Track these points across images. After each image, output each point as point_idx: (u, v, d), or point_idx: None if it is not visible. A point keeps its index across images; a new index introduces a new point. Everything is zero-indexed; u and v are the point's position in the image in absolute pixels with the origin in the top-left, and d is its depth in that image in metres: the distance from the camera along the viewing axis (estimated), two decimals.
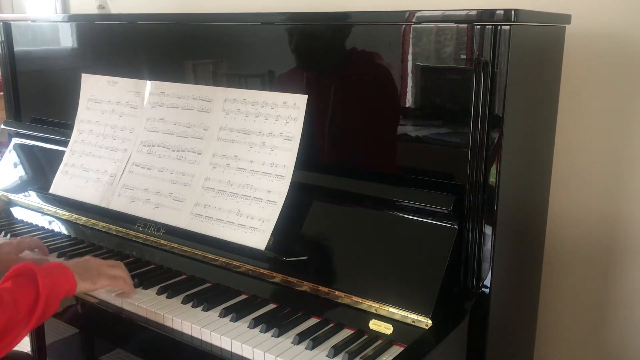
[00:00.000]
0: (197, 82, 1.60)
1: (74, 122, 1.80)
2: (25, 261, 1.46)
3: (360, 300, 1.24)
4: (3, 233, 1.75)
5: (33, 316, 1.14)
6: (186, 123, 1.57)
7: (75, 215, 1.72)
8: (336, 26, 1.36)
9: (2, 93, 2.22)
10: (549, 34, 1.38)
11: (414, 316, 1.18)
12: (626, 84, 1.54)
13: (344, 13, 1.39)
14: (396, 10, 1.30)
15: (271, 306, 1.33)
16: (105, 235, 1.65)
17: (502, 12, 1.11)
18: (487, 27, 1.14)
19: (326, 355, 1.13)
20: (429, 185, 1.25)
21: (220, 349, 1.20)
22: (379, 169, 1.36)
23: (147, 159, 1.61)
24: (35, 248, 1.58)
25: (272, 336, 1.20)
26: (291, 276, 1.33)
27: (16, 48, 2.03)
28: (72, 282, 1.23)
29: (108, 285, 1.31)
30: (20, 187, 1.91)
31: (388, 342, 1.18)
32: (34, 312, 1.14)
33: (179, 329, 1.26)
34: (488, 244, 1.22)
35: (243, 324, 1.24)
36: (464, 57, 1.19)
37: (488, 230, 1.21)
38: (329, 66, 1.41)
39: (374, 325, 1.21)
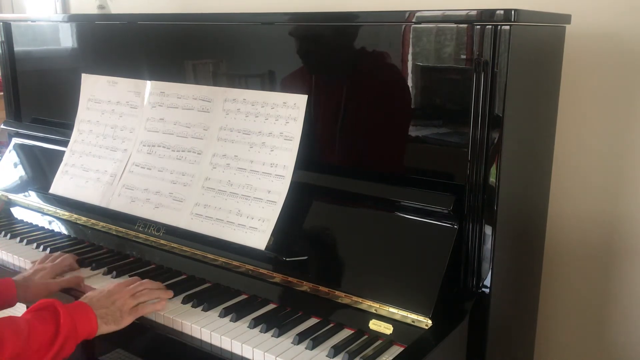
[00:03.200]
0: (197, 82, 1.60)
1: (74, 122, 1.80)
2: (57, 285, 1.43)
3: (360, 300, 1.24)
4: (3, 233, 1.75)
5: (47, 354, 1.12)
6: (186, 123, 1.57)
7: (75, 215, 1.72)
8: (336, 26, 1.36)
9: (2, 93, 2.21)
10: (549, 34, 1.38)
11: (414, 316, 1.18)
12: (626, 84, 1.54)
13: (344, 13, 1.39)
14: (396, 10, 1.30)
15: (271, 306, 1.33)
16: (105, 235, 1.65)
17: (502, 12, 1.11)
18: (487, 27, 1.14)
19: (326, 355, 1.13)
20: (429, 185, 1.25)
21: (220, 349, 1.20)
22: (379, 168, 1.36)
23: (147, 159, 1.61)
24: (67, 269, 1.50)
25: (272, 336, 1.20)
26: (291, 276, 1.33)
27: (16, 48, 2.03)
28: (94, 326, 1.20)
29: (135, 318, 1.27)
30: (20, 187, 1.91)
31: (388, 342, 1.18)
32: (50, 351, 1.12)
33: (179, 329, 1.26)
34: (488, 244, 1.22)
35: (243, 324, 1.24)
36: (464, 57, 1.18)
37: (488, 230, 1.21)
38: (328, 66, 1.41)
39: (374, 325, 1.21)
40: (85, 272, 1.51)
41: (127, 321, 1.26)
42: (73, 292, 1.44)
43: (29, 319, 1.13)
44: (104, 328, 1.22)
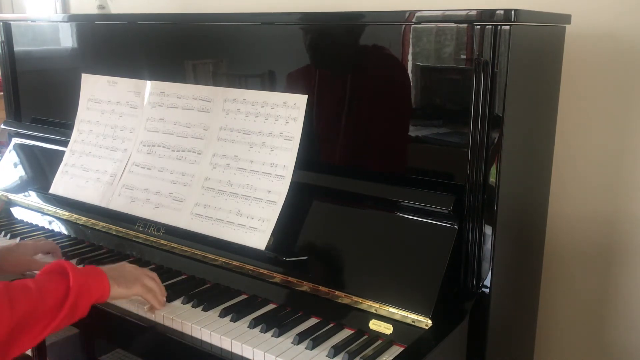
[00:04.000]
0: (197, 82, 1.60)
1: (74, 122, 1.80)
2: (38, 263, 1.45)
3: (360, 300, 1.24)
4: (3, 233, 1.75)
5: (61, 312, 1.11)
6: (186, 123, 1.57)
7: (75, 215, 1.72)
8: (335, 26, 1.36)
9: (2, 93, 2.21)
10: (549, 34, 1.38)
11: (414, 316, 1.18)
12: (626, 84, 1.54)
13: (344, 13, 1.40)
14: (396, 10, 1.30)
15: (271, 306, 1.33)
16: (105, 235, 1.65)
17: (502, 12, 1.11)
18: (487, 27, 1.14)
19: (326, 355, 1.13)
20: (429, 185, 1.25)
21: (220, 349, 1.20)
22: (379, 168, 1.36)
23: (147, 159, 1.61)
24: (50, 251, 1.55)
25: (272, 336, 1.20)
26: (291, 276, 1.33)
27: (16, 48, 2.03)
28: (106, 286, 1.20)
29: (142, 294, 1.27)
30: (20, 187, 1.91)
31: (388, 342, 1.18)
32: (62, 308, 1.11)
33: (179, 329, 1.26)
34: (488, 244, 1.22)
35: (243, 324, 1.24)
36: (464, 57, 1.18)
37: (488, 230, 1.21)
38: (328, 66, 1.41)
39: (374, 325, 1.21)
40: None
41: (136, 289, 1.25)
42: None
43: (39, 279, 1.14)
44: (116, 290, 1.21)
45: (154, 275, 1.34)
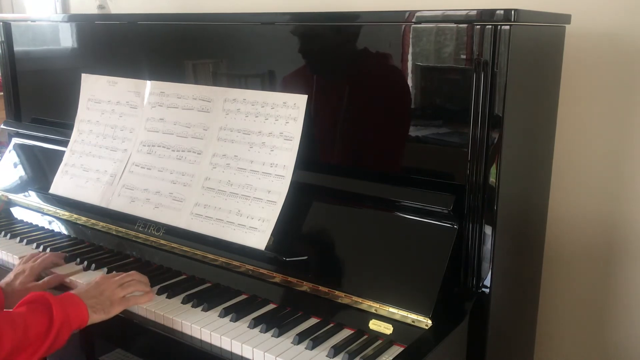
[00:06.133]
0: (197, 82, 1.60)
1: (74, 122, 1.80)
2: (42, 285, 1.43)
3: (360, 300, 1.24)
4: (3, 233, 1.75)
5: (43, 345, 1.14)
6: (186, 123, 1.57)
7: (75, 215, 1.72)
8: (336, 26, 1.36)
9: (2, 93, 2.21)
10: (549, 34, 1.38)
11: (413, 316, 1.18)
12: (626, 83, 1.54)
13: (344, 13, 1.40)
14: (396, 10, 1.30)
15: (271, 306, 1.33)
16: (105, 235, 1.65)
17: (502, 12, 1.11)
18: (487, 27, 1.14)
19: (326, 355, 1.13)
20: (429, 185, 1.25)
21: (220, 349, 1.20)
22: (379, 168, 1.36)
23: (147, 159, 1.61)
24: (50, 266, 1.51)
25: (272, 336, 1.20)
26: (291, 276, 1.33)
27: (16, 48, 2.03)
28: (85, 316, 1.22)
29: (125, 308, 1.30)
30: (20, 187, 1.91)
31: (388, 342, 1.18)
32: (45, 341, 1.14)
33: (179, 329, 1.26)
34: (488, 244, 1.22)
35: (243, 324, 1.24)
36: (464, 57, 1.18)
37: (488, 230, 1.21)
38: (328, 66, 1.41)
39: (374, 325, 1.21)
40: (85, 272, 1.51)
41: (115, 310, 1.28)
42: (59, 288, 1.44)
43: (23, 312, 1.16)
44: (94, 317, 1.24)
45: (131, 277, 1.35)
